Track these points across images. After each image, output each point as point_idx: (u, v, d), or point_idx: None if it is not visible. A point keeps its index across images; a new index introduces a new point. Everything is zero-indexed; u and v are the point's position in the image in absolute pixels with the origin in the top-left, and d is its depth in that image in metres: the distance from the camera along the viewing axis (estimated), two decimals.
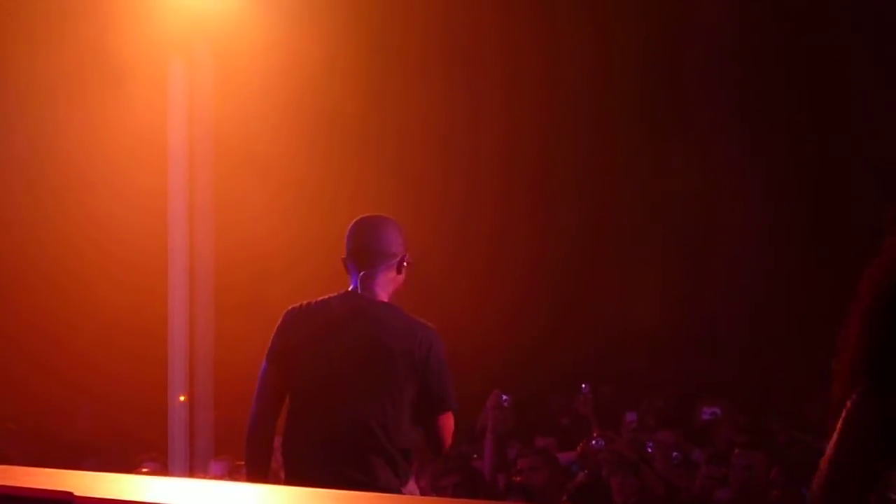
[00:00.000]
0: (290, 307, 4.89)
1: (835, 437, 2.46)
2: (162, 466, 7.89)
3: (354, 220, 4.95)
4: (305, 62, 9.72)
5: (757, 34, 10.89)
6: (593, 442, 7.84)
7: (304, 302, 4.88)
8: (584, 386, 9.01)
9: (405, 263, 4.87)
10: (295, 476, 4.70)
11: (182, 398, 8.31)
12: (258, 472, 4.76)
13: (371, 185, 10.48)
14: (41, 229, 10.26)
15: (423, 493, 6.64)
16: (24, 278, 10.32)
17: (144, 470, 7.34)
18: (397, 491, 4.68)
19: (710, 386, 10.34)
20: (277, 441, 4.93)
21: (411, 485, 5.39)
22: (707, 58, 11.09)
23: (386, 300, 4.86)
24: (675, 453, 7.72)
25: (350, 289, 4.87)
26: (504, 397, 7.99)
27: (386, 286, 4.85)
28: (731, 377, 10.72)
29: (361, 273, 4.84)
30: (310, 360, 4.79)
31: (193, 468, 8.05)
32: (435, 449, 4.96)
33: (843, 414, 2.45)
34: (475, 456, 8.17)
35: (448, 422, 4.83)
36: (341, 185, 10.56)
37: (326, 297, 4.89)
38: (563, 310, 11.47)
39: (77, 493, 2.75)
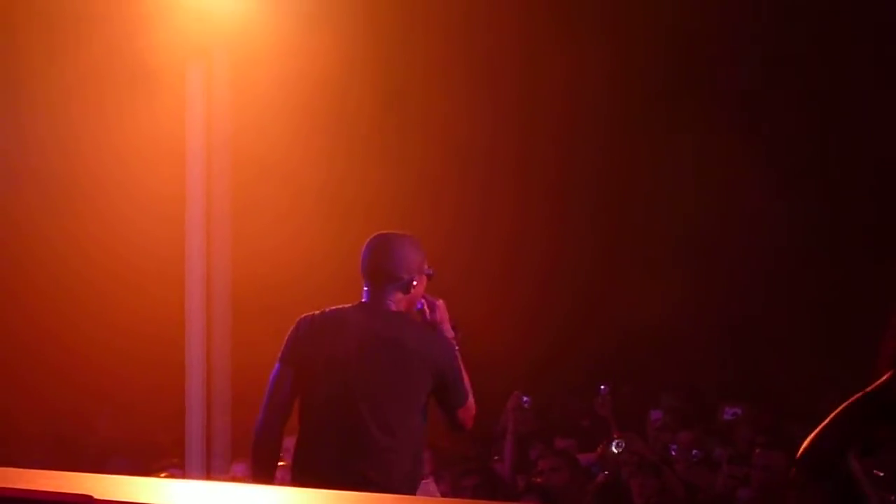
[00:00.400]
0: (303, 315, 4.98)
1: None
2: (181, 472, 7.91)
3: (370, 237, 5.06)
4: (324, 68, 9.72)
5: (775, 35, 10.87)
6: (614, 444, 7.83)
7: (319, 311, 4.97)
8: (602, 387, 9.00)
9: (414, 283, 4.95)
10: (307, 477, 4.72)
11: None
12: (266, 472, 4.82)
13: (390, 190, 10.48)
14: (57, 236, 10.27)
15: (443, 495, 6.67)
16: (40, 286, 10.34)
17: (163, 475, 7.36)
18: (411, 491, 4.72)
19: (730, 385, 10.33)
20: (287, 442, 4.99)
21: (431, 486, 5.41)
22: (724, 60, 11.08)
23: (397, 310, 4.96)
24: (694, 451, 7.72)
25: (363, 301, 4.98)
26: (524, 399, 8.01)
27: (398, 302, 4.97)
28: (751, 377, 10.70)
29: (368, 288, 4.97)
30: (325, 365, 4.86)
31: (211, 472, 8.07)
32: (459, 431, 5.13)
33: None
34: (496, 457, 8.17)
35: (469, 410, 5.00)
36: (360, 191, 10.56)
37: (340, 306, 4.99)
38: (582, 311, 11.45)
39: (96, 496, 2.76)
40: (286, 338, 4.96)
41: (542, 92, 11.24)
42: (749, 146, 10.92)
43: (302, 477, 4.82)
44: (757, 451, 7.16)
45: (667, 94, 11.12)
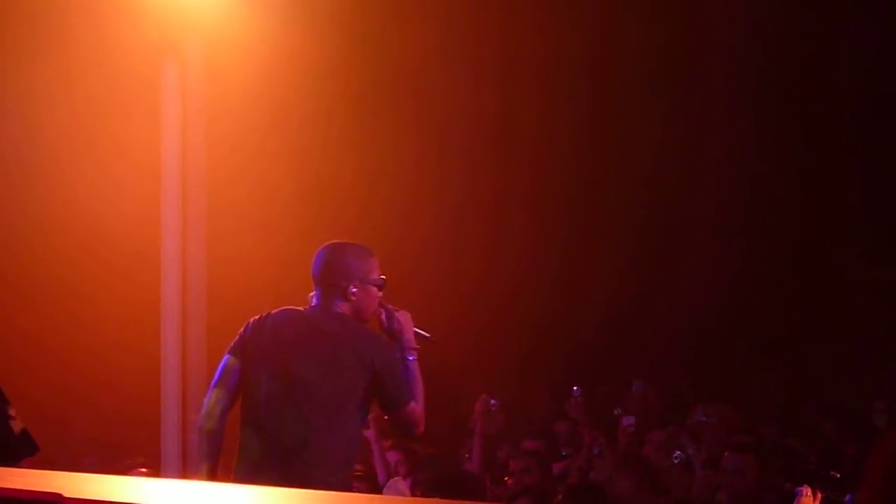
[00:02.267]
0: (253, 317, 5.17)
1: None
2: (153, 471, 7.89)
3: (323, 246, 5.24)
4: (299, 60, 9.72)
5: (758, 16, 10.90)
6: (595, 450, 7.88)
7: (266, 312, 5.16)
8: (574, 389, 9.03)
9: (353, 290, 5.09)
10: (246, 461, 4.91)
11: None
12: (212, 456, 4.99)
13: (365, 188, 10.48)
14: (30, 235, 10.21)
15: (412, 494, 6.72)
16: (15, 287, 10.29)
17: (142, 470, 7.36)
18: (343, 481, 4.90)
19: (702, 387, 10.37)
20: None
21: (400, 484, 5.43)
22: (712, 44, 11.09)
23: (342, 311, 5.10)
24: (676, 452, 7.75)
25: (312, 304, 5.17)
26: (492, 401, 8.07)
27: (340, 305, 5.12)
28: (724, 378, 10.75)
29: (320, 294, 5.16)
30: (266, 355, 5.04)
31: (186, 471, 8.05)
32: (408, 434, 5.30)
33: None
34: (467, 456, 8.22)
35: (413, 412, 5.11)
36: (335, 188, 10.57)
37: (289, 307, 5.18)
38: (554, 313, 11.49)
39: (66, 494, 2.76)
40: (239, 332, 5.17)
41: (522, 85, 11.24)
42: (733, 151, 10.97)
43: (242, 462, 4.95)
44: (726, 454, 7.16)
45: (649, 77, 11.11)
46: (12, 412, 4.25)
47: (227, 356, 5.13)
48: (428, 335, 5.27)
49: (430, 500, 5.35)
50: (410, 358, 5.16)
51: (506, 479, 7.37)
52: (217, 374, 5.15)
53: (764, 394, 10.24)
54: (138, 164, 9.07)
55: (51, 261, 10.21)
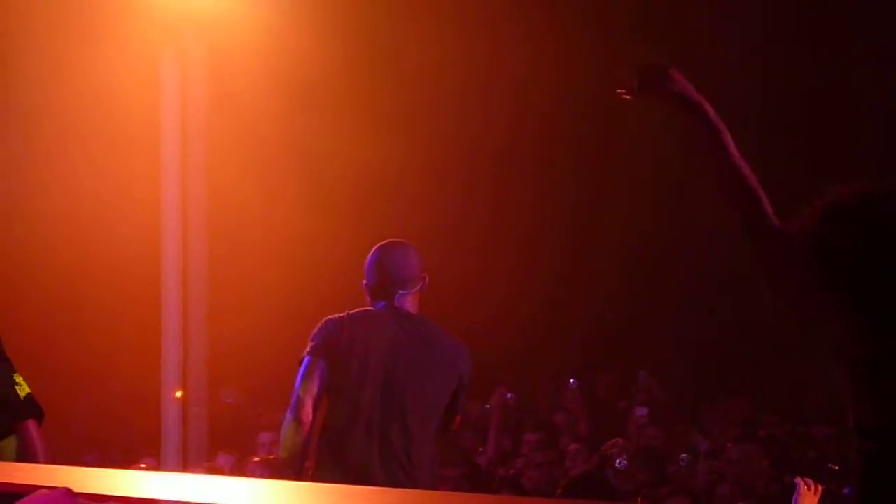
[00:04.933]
0: (329, 316, 5.00)
1: None
2: (158, 464, 7.90)
3: (379, 247, 5.11)
4: (300, 50, 9.69)
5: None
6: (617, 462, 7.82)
7: (345, 312, 4.98)
8: (571, 381, 9.02)
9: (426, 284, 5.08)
10: (329, 468, 4.79)
11: (178, 394, 8.31)
12: (299, 459, 4.82)
13: (370, 180, 10.44)
14: (28, 230, 10.17)
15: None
16: (14, 282, 10.26)
17: (142, 466, 7.36)
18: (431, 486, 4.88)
19: (706, 377, 10.37)
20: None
21: None
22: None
23: (417, 313, 5.07)
24: (683, 455, 7.73)
25: (381, 305, 5.03)
26: (509, 395, 8.05)
27: (415, 307, 5.06)
28: (729, 369, 10.75)
29: (398, 293, 5.03)
30: (360, 359, 4.89)
31: (187, 464, 8.06)
32: (445, 434, 5.19)
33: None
34: (480, 449, 8.21)
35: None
36: (341, 181, 10.54)
37: (364, 308, 5.05)
38: (558, 305, 11.47)
39: (75, 488, 2.75)
40: (312, 336, 4.97)
41: (528, 83, 11.21)
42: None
43: (326, 465, 4.85)
44: (729, 444, 7.19)
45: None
46: (18, 378, 4.26)
47: (309, 359, 4.91)
48: None
49: (441, 493, 5.33)
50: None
51: (510, 471, 7.38)
52: (302, 375, 4.91)
53: (770, 386, 10.24)
54: (138, 155, 9.05)
55: (48, 254, 10.17)
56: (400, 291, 5.01)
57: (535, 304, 11.41)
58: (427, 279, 5.08)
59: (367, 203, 10.57)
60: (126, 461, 7.63)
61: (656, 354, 11.12)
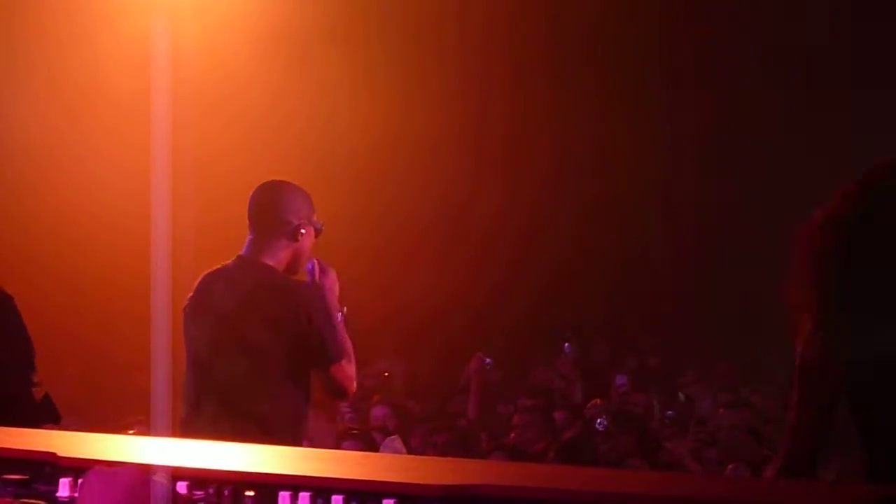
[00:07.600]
0: (206, 272, 4.89)
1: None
2: (147, 429, 7.88)
3: (259, 184, 4.89)
4: (292, 18, 9.64)
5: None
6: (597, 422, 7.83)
7: (215, 267, 4.87)
8: (566, 345, 9.02)
9: (301, 231, 4.76)
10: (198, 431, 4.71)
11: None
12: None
13: (365, 154, 10.38)
14: (17, 202, 10.11)
15: (412, 452, 6.72)
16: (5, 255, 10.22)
17: (131, 432, 7.34)
18: (296, 433, 4.68)
19: (690, 344, 10.41)
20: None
21: (397, 443, 5.35)
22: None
23: (272, 264, 4.78)
24: (669, 412, 7.77)
25: (242, 253, 4.84)
26: (487, 360, 8.04)
27: (276, 252, 4.78)
28: (712, 337, 10.79)
29: (251, 237, 4.82)
30: (201, 324, 4.83)
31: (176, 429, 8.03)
32: (336, 396, 5.02)
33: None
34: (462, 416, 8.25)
35: (340, 372, 4.76)
36: (331, 146, 10.49)
37: (227, 263, 4.87)
38: (555, 273, 11.48)
39: (60, 453, 2.74)
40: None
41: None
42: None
43: (192, 422, 4.84)
44: (721, 411, 7.23)
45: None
46: (36, 379, 4.23)
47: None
48: (344, 310, 4.88)
49: (428, 458, 5.30)
50: (339, 315, 4.81)
51: (510, 434, 7.41)
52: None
53: (758, 355, 10.29)
54: (127, 125, 9.01)
55: (37, 223, 10.12)
56: (266, 232, 4.77)
57: (533, 271, 11.37)
58: (306, 227, 4.76)
59: (365, 174, 10.53)
60: (115, 426, 7.62)
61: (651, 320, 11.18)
